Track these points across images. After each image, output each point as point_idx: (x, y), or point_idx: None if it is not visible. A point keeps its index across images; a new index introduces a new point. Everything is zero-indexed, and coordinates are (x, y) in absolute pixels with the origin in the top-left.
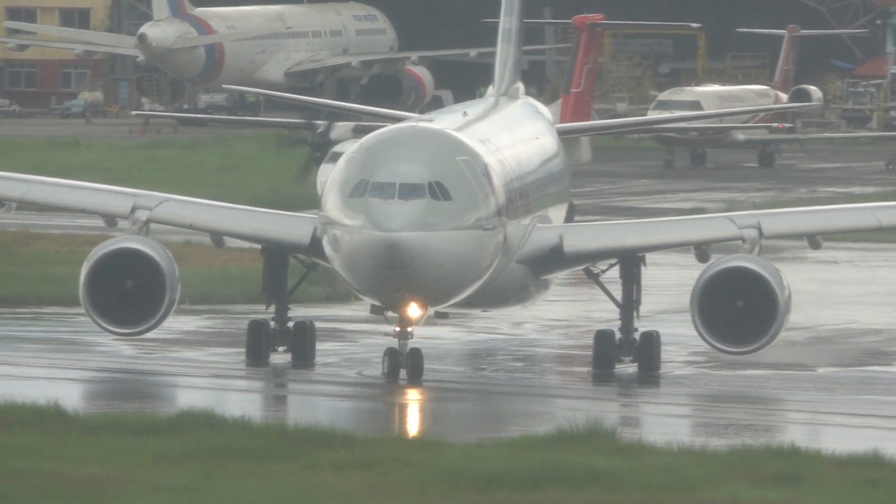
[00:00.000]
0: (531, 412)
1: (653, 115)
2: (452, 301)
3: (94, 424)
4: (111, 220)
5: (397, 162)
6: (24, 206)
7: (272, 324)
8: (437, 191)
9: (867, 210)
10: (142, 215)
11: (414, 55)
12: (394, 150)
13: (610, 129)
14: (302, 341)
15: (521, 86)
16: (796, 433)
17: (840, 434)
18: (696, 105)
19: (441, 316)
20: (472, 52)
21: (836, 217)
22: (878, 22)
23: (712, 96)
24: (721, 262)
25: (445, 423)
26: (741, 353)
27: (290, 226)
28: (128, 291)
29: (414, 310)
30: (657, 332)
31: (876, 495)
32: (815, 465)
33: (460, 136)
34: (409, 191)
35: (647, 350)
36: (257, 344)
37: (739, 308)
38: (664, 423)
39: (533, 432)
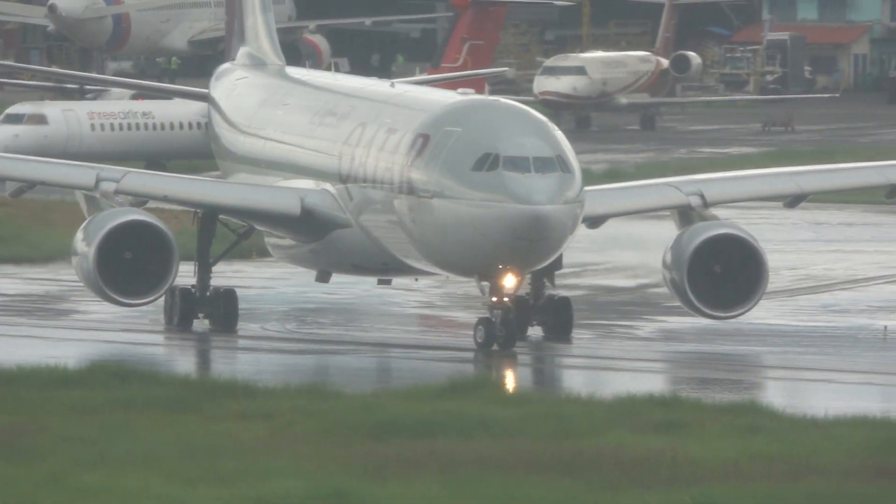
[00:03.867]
0: (425, 367)
1: (539, 80)
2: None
3: (6, 376)
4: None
5: (521, 136)
6: None
7: (193, 291)
8: (562, 164)
9: (787, 176)
10: (108, 187)
11: (311, 24)
12: (508, 123)
13: None
14: (228, 308)
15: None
16: (679, 384)
17: (720, 384)
18: (581, 70)
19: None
20: (368, 21)
21: (766, 183)
22: None
23: (596, 62)
24: (704, 229)
25: (343, 375)
26: (729, 318)
27: (278, 197)
28: (132, 262)
29: (510, 280)
30: (568, 298)
31: (754, 441)
32: (696, 413)
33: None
34: (542, 164)
35: (563, 315)
36: (188, 311)
37: (721, 274)
38: (551, 376)
39: (426, 384)
